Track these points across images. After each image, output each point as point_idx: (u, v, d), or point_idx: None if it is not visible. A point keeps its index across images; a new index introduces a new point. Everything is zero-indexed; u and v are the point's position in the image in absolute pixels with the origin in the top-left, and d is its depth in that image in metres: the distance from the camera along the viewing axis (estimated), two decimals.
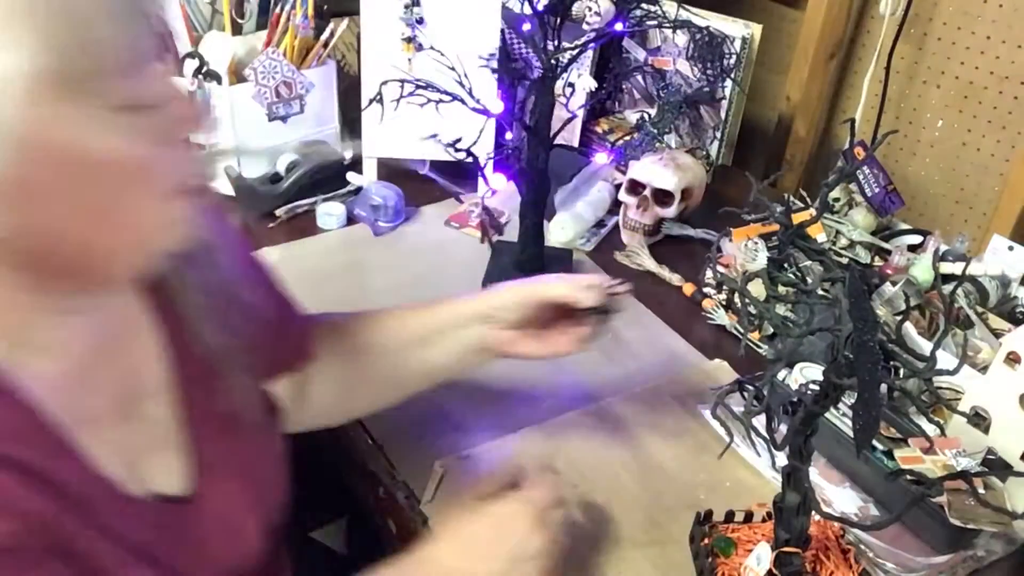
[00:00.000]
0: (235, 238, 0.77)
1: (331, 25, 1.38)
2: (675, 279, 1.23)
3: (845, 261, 1.27)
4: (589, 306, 0.85)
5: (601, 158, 1.19)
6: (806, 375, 0.98)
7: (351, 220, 1.32)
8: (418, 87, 0.99)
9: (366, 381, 0.89)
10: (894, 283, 1.13)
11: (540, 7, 1.02)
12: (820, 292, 0.67)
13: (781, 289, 0.69)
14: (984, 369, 0.92)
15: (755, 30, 1.39)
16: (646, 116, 1.45)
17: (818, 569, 0.78)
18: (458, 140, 1.03)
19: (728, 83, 1.42)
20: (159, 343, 0.68)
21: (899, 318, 0.70)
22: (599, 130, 1.53)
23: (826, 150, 1.61)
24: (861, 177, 1.31)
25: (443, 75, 1.04)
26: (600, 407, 1.00)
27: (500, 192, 1.12)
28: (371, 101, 1.01)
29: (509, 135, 1.11)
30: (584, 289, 0.85)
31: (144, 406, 0.66)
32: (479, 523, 0.74)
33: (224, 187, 1.28)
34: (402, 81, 0.98)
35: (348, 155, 1.44)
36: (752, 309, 0.68)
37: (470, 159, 1.06)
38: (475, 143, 1.06)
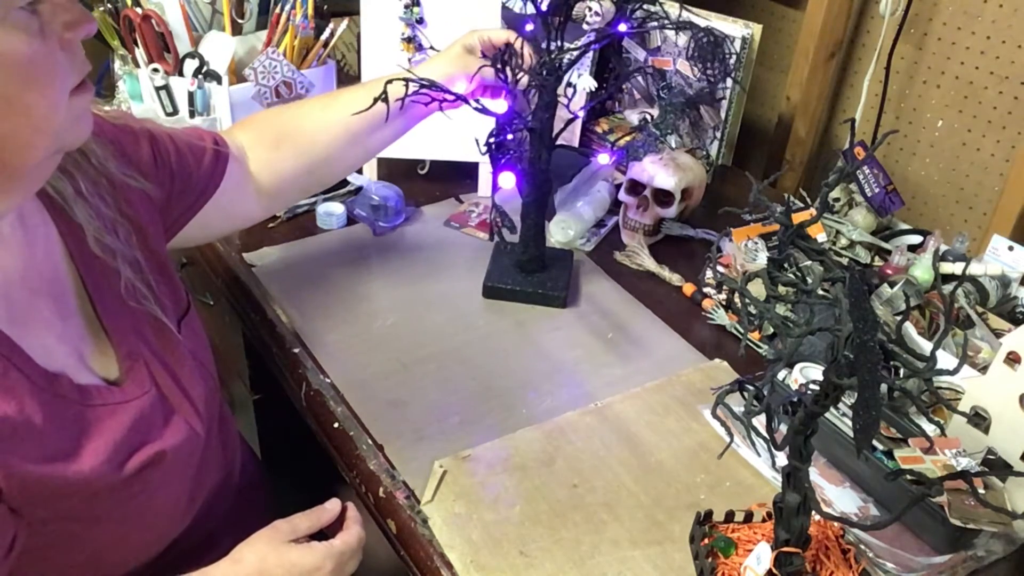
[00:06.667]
0: (111, 130, 0.83)
1: (331, 25, 1.38)
2: (675, 279, 1.23)
3: (845, 261, 1.27)
4: None
5: (604, 159, 1.19)
6: (806, 375, 0.98)
7: (351, 220, 1.32)
8: (422, 86, 0.99)
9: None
10: (894, 283, 1.13)
11: (544, 7, 1.01)
12: (820, 292, 0.67)
13: (781, 289, 0.69)
14: (984, 369, 0.92)
15: (755, 30, 1.39)
16: (648, 117, 1.45)
17: (818, 569, 0.78)
18: (491, 138, 1.06)
19: (728, 83, 1.42)
20: (62, 250, 0.76)
21: (899, 318, 0.70)
22: (599, 130, 1.53)
23: (826, 150, 1.61)
24: (861, 177, 1.31)
25: None
26: (600, 407, 1.00)
27: (499, 192, 1.12)
28: (376, 100, 1.00)
29: (510, 136, 1.11)
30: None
31: (71, 304, 0.75)
32: (278, 568, 0.78)
33: None
34: (407, 80, 0.98)
35: None
36: (752, 309, 0.68)
37: (488, 154, 1.07)
38: (491, 140, 1.06)
